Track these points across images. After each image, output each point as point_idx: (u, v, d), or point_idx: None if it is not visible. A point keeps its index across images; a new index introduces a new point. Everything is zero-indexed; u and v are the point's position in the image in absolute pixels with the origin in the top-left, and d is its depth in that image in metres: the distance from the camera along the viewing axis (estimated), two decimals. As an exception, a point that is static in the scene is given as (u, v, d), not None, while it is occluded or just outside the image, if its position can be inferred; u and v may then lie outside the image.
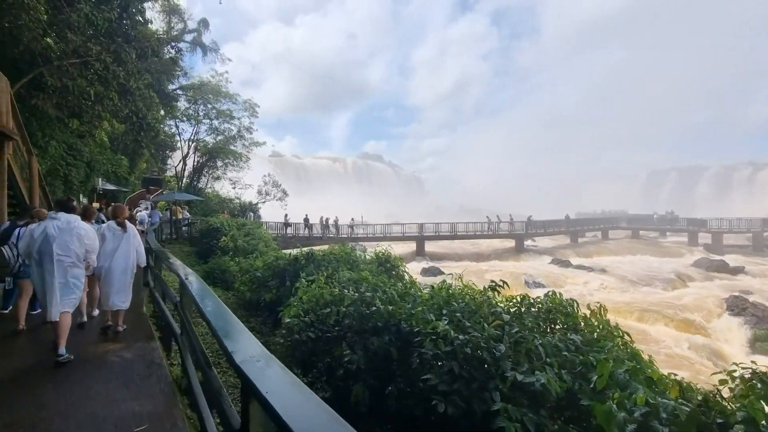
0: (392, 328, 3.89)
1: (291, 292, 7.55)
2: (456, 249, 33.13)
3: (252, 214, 26.66)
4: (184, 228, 18.31)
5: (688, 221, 37.87)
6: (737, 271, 25.23)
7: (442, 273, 23.92)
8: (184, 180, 28.51)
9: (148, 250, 6.20)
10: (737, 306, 16.06)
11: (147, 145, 20.60)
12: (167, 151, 32.16)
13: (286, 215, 27.25)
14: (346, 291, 4.47)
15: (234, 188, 30.37)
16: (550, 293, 4.60)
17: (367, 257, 8.78)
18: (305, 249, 9.07)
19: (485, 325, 3.39)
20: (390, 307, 3.84)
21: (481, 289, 4.34)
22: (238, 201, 28.49)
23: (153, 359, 3.73)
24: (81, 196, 17.44)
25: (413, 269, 25.83)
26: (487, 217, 34.48)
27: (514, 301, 4.44)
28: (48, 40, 10.53)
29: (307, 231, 27.79)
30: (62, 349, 3.65)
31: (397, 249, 33.72)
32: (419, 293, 4.70)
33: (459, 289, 4.65)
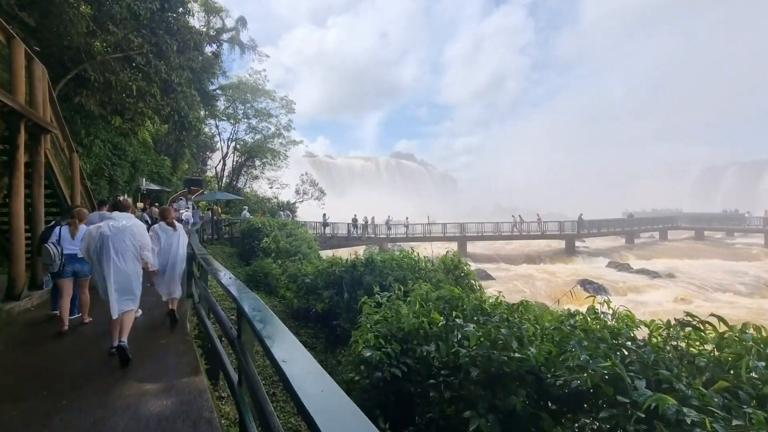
0: (528, 377, 2.70)
1: (349, 304, 6.53)
2: (499, 250, 31.30)
3: (283, 213, 26.17)
4: (224, 228, 17.95)
5: (764, 220, 33.83)
6: (836, 278, 21.89)
7: (490, 277, 22.36)
8: (224, 180, 28.57)
9: (192, 256, 5.35)
10: None
11: (188, 145, 20.52)
12: (207, 152, 32.51)
13: (324, 214, 26.60)
14: (453, 320, 3.32)
15: (271, 188, 30.20)
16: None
17: (431, 263, 7.62)
18: (360, 254, 8.07)
19: (702, 390, 2.14)
20: (531, 350, 2.65)
21: (654, 321, 3.04)
22: (275, 200, 28.22)
23: (201, 411, 2.75)
24: (126, 195, 17.44)
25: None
26: (512, 216, 32.14)
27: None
28: (92, 35, 10.18)
29: (349, 230, 27.03)
30: (124, 340, 3.74)
31: (438, 250, 32.48)
32: (557, 324, 3.47)
33: (603, 314, 3.39)
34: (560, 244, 31.78)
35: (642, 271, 24.36)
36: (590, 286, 20.95)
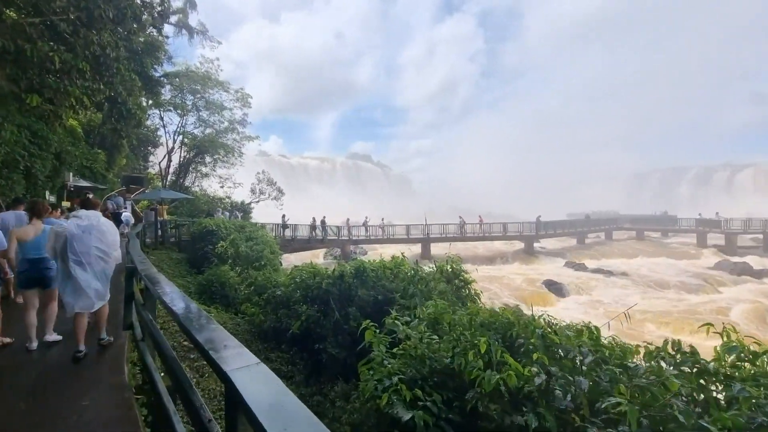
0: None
1: (338, 325, 5.41)
2: (462, 251, 31.29)
3: (239, 214, 24.05)
4: (170, 230, 15.87)
5: (697, 221, 36.95)
6: (763, 274, 24.10)
7: (457, 279, 22.01)
8: (169, 177, 25.80)
9: (132, 271, 3.99)
10: (797, 316, 14.59)
11: (127, 137, 18.02)
12: (149, 147, 29.28)
13: (283, 216, 24.86)
14: (561, 375, 2.34)
15: (222, 186, 27.84)
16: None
17: (426, 269, 6.69)
18: (321, 257, 6.95)
19: None
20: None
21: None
22: (228, 200, 25.95)
23: None
24: (48, 193, 14.84)
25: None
26: (459, 217, 32.24)
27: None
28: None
29: (310, 233, 25.43)
30: (81, 345, 3.71)
31: (400, 252, 31.87)
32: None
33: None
34: (520, 245, 32.48)
35: (598, 270, 25.33)
36: (553, 287, 21.29)
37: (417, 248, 30.51)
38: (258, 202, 26.46)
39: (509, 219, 34.35)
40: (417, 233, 30.43)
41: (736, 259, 27.39)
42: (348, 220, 30.30)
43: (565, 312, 16.08)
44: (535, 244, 33.45)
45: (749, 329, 14.76)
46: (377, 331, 3.61)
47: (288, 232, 24.72)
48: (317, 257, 29.48)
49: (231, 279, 10.11)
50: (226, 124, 25.75)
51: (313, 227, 26.25)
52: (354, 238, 28.12)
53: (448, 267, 6.84)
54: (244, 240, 12.53)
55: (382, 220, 33.12)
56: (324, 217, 27.43)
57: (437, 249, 30.64)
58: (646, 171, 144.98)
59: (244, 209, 25.02)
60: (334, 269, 5.88)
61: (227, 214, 20.89)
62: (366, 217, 31.10)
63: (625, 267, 26.33)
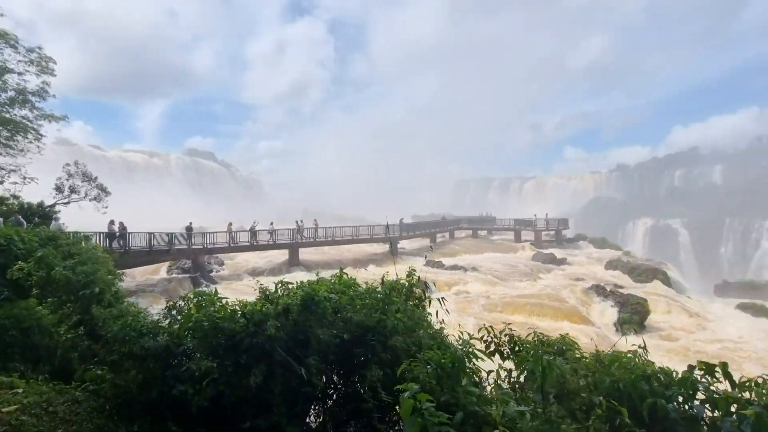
0: None
1: (293, 388, 3.59)
2: (334, 255, 30.42)
3: (36, 220, 17.30)
4: None
5: (515, 221, 45.50)
6: (562, 261, 31.04)
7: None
8: None
9: None
10: (602, 294, 18.90)
11: None
12: None
13: (112, 221, 18.95)
14: None
15: (2, 182, 19.69)
16: None
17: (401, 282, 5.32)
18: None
19: None
20: None
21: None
22: (13, 201, 18.30)
23: None
24: None
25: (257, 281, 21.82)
26: (296, 222, 31.75)
27: None
28: None
29: (150, 242, 20.00)
30: None
31: (266, 259, 28.80)
32: None
33: None
34: (385, 246, 33.60)
35: (454, 267, 28.11)
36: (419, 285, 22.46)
37: (284, 255, 28.11)
38: (67, 203, 19.49)
39: (360, 222, 35.38)
40: (285, 238, 27.97)
41: (546, 251, 34.66)
42: (191, 223, 25.29)
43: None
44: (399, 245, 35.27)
45: (576, 304, 18.31)
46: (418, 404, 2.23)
47: (116, 244, 18.94)
48: (157, 273, 23.90)
49: (43, 320, 6.66)
50: (10, 93, 18.12)
51: (151, 237, 20.96)
52: (209, 246, 23.82)
53: (407, 281, 5.71)
54: (60, 258, 8.58)
55: (254, 223, 29.31)
56: (190, 222, 22.69)
57: (306, 255, 28.92)
58: (466, 179, 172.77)
59: (44, 214, 18.02)
60: (262, 304, 3.93)
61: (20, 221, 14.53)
62: (230, 223, 27.01)
63: (473, 263, 30.05)
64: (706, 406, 1.89)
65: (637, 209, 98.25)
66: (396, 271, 5.97)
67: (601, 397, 2.09)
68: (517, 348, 3.68)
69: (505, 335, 3.54)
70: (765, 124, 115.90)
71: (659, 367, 2.18)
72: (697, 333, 16.77)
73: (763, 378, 2.17)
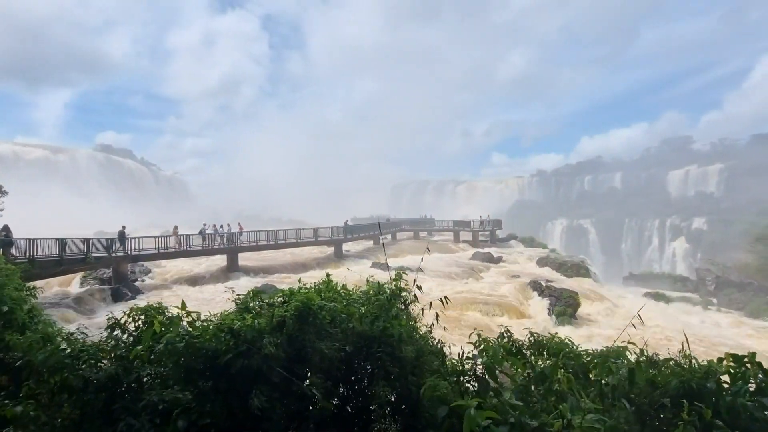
0: None
1: (287, 406, 3.12)
2: (277, 259, 28.92)
3: None
4: None
5: (454, 222, 47.41)
6: (499, 260, 32.95)
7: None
8: None
9: None
10: (538, 290, 20.31)
11: None
12: None
13: (4, 227, 15.90)
14: None
15: None
16: None
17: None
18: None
19: None
20: None
21: None
22: None
23: None
24: None
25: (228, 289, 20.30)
26: (213, 225, 29.63)
27: None
28: None
29: (61, 250, 17.03)
30: None
31: (201, 266, 26.47)
32: None
33: None
34: (329, 249, 32.86)
35: (400, 268, 28.29)
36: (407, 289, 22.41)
37: (221, 260, 26.11)
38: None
39: (298, 225, 34.43)
40: (222, 242, 25.97)
41: (483, 250, 36.52)
42: (125, 229, 22.48)
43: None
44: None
45: (517, 300, 19.43)
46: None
47: (15, 251, 15.95)
48: (68, 285, 20.71)
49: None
50: None
51: (63, 243, 18.06)
52: (134, 253, 21.21)
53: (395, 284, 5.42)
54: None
55: (175, 228, 26.63)
56: (123, 227, 20.01)
57: (245, 260, 27.13)
58: (403, 182, 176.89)
59: None
60: (250, 319, 3.36)
61: None
62: (175, 227, 24.44)
63: (418, 263, 30.56)
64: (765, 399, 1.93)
65: (554, 210, 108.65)
66: (362, 275, 5.68)
67: (668, 399, 2.05)
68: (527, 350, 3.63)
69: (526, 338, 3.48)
70: (653, 137, 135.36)
71: (706, 362, 2.22)
72: (618, 320, 18.82)
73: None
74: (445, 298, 4.18)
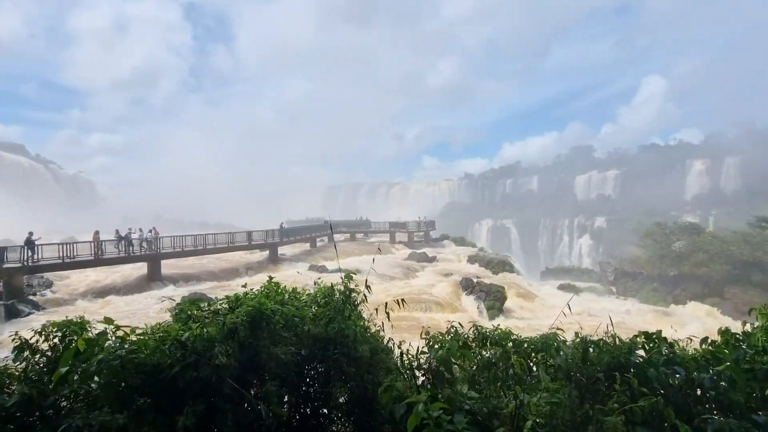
0: None
1: (238, 417, 2.94)
2: (206, 266, 26.90)
3: None
4: None
5: (390, 224, 48.26)
6: (433, 259, 34.29)
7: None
8: None
9: None
10: (469, 287, 21.52)
11: None
12: None
13: None
14: None
15: None
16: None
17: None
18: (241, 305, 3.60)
19: None
20: None
21: None
22: None
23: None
24: None
25: (149, 301, 18.51)
26: (140, 229, 25.30)
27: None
28: None
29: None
30: None
31: (116, 275, 23.68)
32: None
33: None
34: (263, 253, 31.50)
35: (338, 270, 28.09)
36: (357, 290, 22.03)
37: (141, 269, 23.61)
38: None
39: (229, 229, 32.68)
40: (141, 248, 23.50)
41: (419, 250, 37.71)
42: (32, 236, 19.14)
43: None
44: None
45: (450, 296, 20.39)
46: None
47: None
48: None
49: None
50: None
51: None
52: (32, 263, 18.27)
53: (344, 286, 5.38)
54: None
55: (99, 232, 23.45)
56: (30, 233, 16.75)
57: (168, 268, 24.87)
58: (337, 184, 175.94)
59: None
60: (198, 328, 3.10)
61: None
62: (96, 232, 21.31)
63: (355, 265, 30.66)
64: (674, 368, 2.32)
65: (481, 212, 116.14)
66: (279, 278, 5.65)
67: (602, 373, 2.35)
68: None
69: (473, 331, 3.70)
70: (562, 145, 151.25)
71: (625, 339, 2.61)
72: (541, 310, 20.74)
73: (691, 339, 2.80)
74: (402, 300, 4.23)
